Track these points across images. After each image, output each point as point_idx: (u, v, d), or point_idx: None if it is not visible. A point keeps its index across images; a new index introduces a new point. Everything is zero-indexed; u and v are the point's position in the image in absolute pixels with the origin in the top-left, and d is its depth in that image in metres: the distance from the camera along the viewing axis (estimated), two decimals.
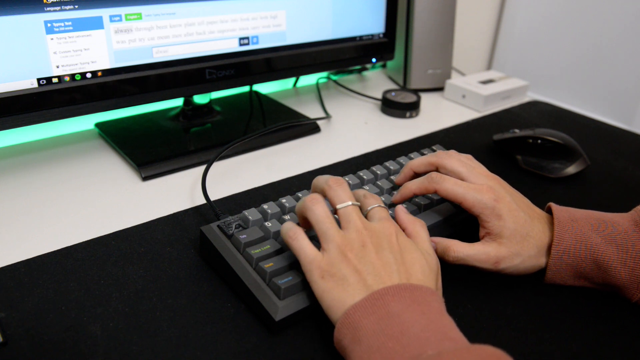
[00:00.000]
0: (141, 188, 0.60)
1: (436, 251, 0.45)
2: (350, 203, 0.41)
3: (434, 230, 0.50)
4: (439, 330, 0.35)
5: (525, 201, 0.48)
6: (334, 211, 0.42)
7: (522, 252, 0.45)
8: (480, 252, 0.45)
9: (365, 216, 0.43)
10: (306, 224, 0.43)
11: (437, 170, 0.50)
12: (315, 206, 0.41)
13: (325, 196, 0.43)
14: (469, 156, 0.52)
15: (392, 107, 0.84)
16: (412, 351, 0.33)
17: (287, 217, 0.48)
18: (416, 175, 0.52)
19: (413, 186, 0.48)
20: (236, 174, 0.64)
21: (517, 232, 0.45)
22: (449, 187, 0.46)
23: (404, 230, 0.43)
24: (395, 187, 0.54)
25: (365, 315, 0.36)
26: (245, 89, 0.87)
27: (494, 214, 0.45)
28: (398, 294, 0.36)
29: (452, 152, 0.51)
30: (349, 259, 0.39)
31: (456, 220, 0.51)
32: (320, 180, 0.44)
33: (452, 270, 0.47)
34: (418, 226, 0.44)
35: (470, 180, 0.47)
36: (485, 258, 0.45)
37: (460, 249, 0.45)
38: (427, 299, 0.37)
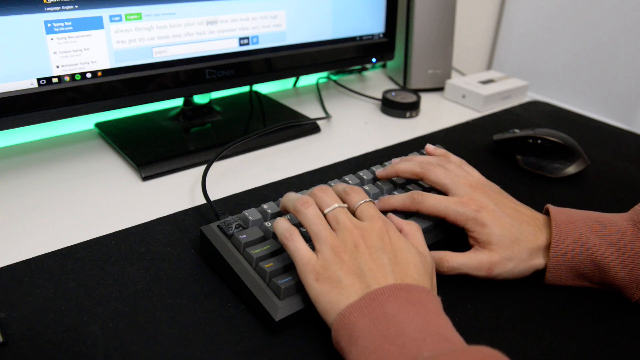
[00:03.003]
0: (141, 188, 0.60)
1: None
2: (336, 205, 0.42)
3: (426, 235, 0.49)
4: (435, 331, 0.35)
5: (513, 206, 0.48)
6: (324, 217, 0.42)
7: (513, 256, 0.45)
8: (473, 260, 0.45)
9: (354, 214, 0.43)
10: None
11: (420, 180, 0.51)
12: (306, 209, 0.41)
13: None
14: (462, 161, 0.52)
15: (392, 107, 0.84)
16: (408, 353, 0.33)
17: (287, 217, 0.48)
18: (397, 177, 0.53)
19: (394, 202, 0.49)
20: (236, 174, 0.64)
21: (505, 237, 0.45)
22: (430, 205, 0.47)
23: (400, 231, 0.44)
24: (396, 187, 0.54)
25: (360, 315, 0.35)
26: (245, 89, 0.87)
27: (478, 223, 0.45)
28: (394, 294, 0.36)
29: (446, 155, 0.52)
30: (343, 260, 0.39)
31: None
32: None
33: None
34: (414, 227, 0.44)
35: (454, 193, 0.48)
36: (478, 265, 0.45)
37: (453, 259, 0.45)
38: (423, 299, 0.37)
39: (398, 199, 0.49)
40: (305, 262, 0.39)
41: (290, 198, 0.44)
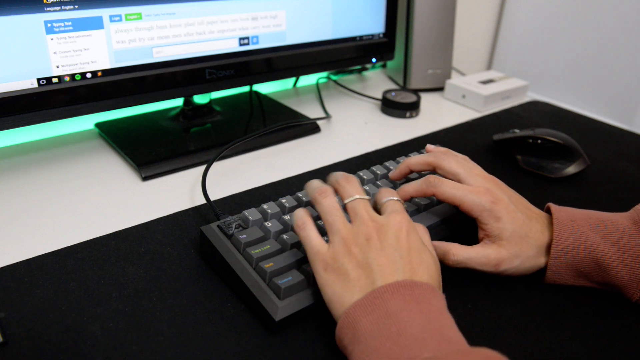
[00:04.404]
0: (141, 188, 0.60)
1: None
2: (357, 196, 0.41)
3: (433, 231, 0.50)
4: (437, 331, 0.35)
5: (523, 202, 0.48)
6: (344, 207, 0.42)
7: (521, 253, 0.45)
8: (480, 255, 0.45)
9: (380, 210, 0.43)
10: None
11: (434, 170, 0.49)
12: (324, 199, 0.41)
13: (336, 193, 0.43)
14: (466, 157, 0.52)
15: (392, 107, 0.84)
16: (409, 352, 0.33)
17: (287, 217, 0.48)
18: (412, 172, 0.52)
19: (411, 189, 0.48)
20: (236, 174, 0.64)
21: (515, 233, 0.45)
22: (447, 190, 0.46)
23: None
24: (396, 186, 0.54)
25: (364, 314, 0.36)
26: (245, 89, 0.87)
27: (492, 216, 0.45)
28: (397, 291, 0.36)
29: (449, 151, 0.51)
30: (352, 253, 0.38)
31: (455, 221, 0.51)
32: (331, 177, 0.45)
33: (452, 270, 0.47)
34: (421, 230, 0.44)
35: (468, 182, 0.47)
36: (486, 261, 0.44)
37: (460, 252, 0.45)
38: (427, 297, 0.36)
39: (414, 185, 0.48)
40: (316, 251, 0.40)
41: (312, 186, 0.43)
